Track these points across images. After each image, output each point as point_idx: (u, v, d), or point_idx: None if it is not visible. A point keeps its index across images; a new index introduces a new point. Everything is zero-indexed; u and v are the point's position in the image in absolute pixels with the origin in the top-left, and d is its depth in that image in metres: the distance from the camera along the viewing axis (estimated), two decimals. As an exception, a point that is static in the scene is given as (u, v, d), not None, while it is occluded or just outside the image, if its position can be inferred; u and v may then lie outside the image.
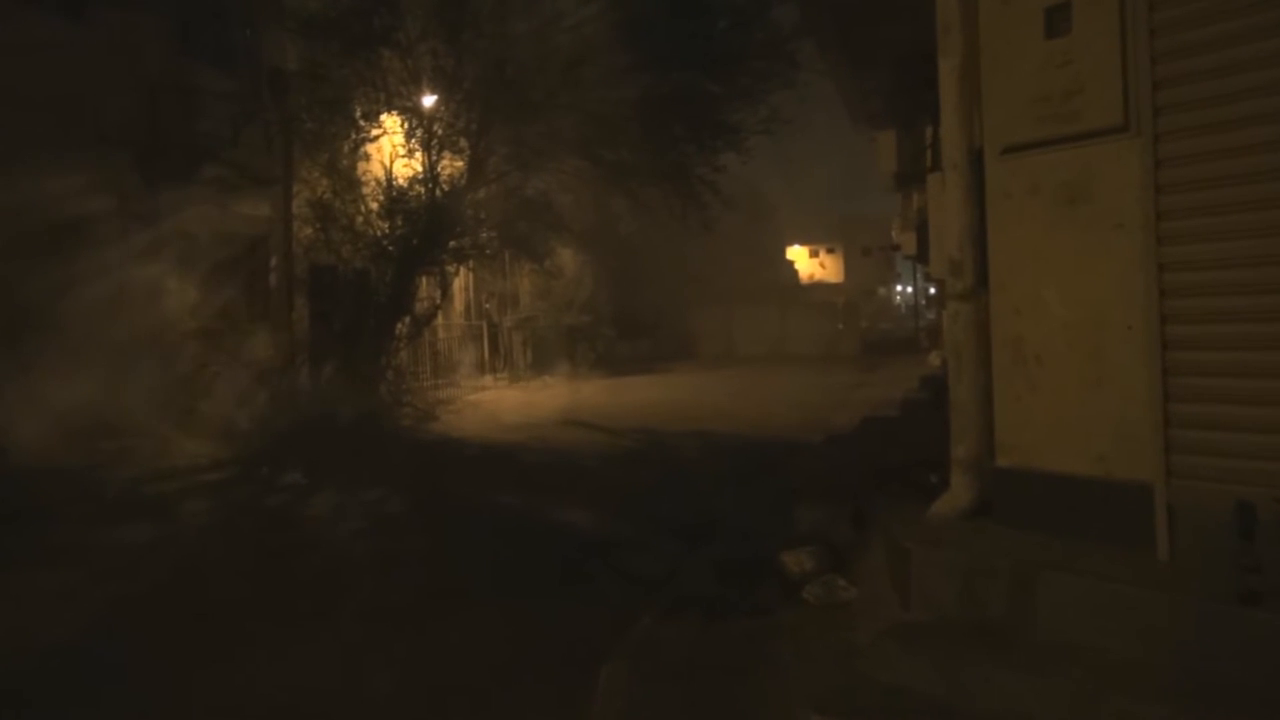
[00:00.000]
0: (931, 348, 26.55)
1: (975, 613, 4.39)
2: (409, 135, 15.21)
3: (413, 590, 6.57)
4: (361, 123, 14.89)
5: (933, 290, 35.85)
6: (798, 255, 67.32)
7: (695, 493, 9.86)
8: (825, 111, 16.53)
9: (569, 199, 18.37)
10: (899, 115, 13.63)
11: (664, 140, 15.32)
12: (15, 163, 10.56)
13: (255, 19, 15.00)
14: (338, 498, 9.94)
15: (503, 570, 7.10)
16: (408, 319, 15.88)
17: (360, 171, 15.60)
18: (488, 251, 17.55)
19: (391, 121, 15.21)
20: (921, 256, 15.37)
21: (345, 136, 14.94)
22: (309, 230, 15.04)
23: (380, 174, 15.38)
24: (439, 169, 15.27)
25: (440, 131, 15.14)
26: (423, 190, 15.19)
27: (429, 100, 15.12)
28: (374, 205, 15.28)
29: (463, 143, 15.28)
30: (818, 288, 60.52)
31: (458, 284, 22.01)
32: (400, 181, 15.33)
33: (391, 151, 15.40)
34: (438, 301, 17.39)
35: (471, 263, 19.14)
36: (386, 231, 15.17)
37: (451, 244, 15.77)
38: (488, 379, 23.65)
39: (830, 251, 69.97)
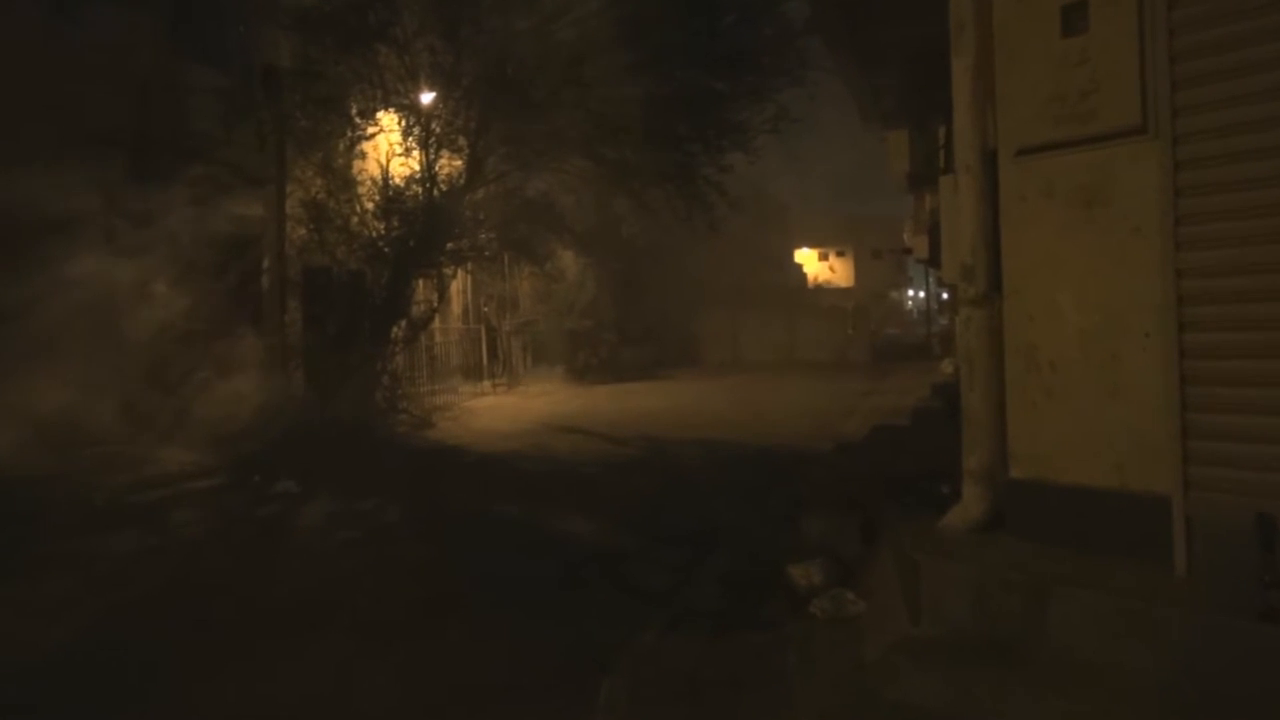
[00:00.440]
0: (944, 354, 26.58)
1: (987, 628, 4.40)
2: (406, 134, 15.21)
3: (407, 602, 6.58)
4: (357, 121, 14.89)
5: (945, 295, 35.84)
6: (806, 258, 67.19)
7: (700, 503, 9.87)
8: (835, 110, 16.56)
9: (570, 200, 18.36)
10: (912, 114, 13.67)
11: (668, 140, 15.31)
12: (-1, 161, 10.58)
13: (248, 14, 15.03)
14: (331, 507, 9.95)
15: (500, 582, 7.11)
16: (404, 323, 15.87)
17: (356, 171, 15.60)
18: (487, 253, 17.55)
19: (388, 119, 15.21)
20: (934, 260, 15.40)
21: (340, 135, 14.94)
22: (302, 231, 15.03)
23: (376, 173, 15.38)
24: (437, 168, 15.28)
25: (438, 130, 15.15)
26: (420, 190, 15.19)
27: (427, 98, 15.12)
28: (370, 205, 15.28)
29: (461, 141, 15.29)
30: (827, 292, 60.49)
31: (455, 287, 21.99)
32: (397, 181, 15.32)
33: (388, 150, 15.40)
34: (435, 305, 17.37)
35: (470, 265, 19.12)
36: (382, 232, 15.17)
37: (449, 245, 15.77)
38: (486, 385, 23.65)
39: (840, 254, 69.83)
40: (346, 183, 15.30)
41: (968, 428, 5.13)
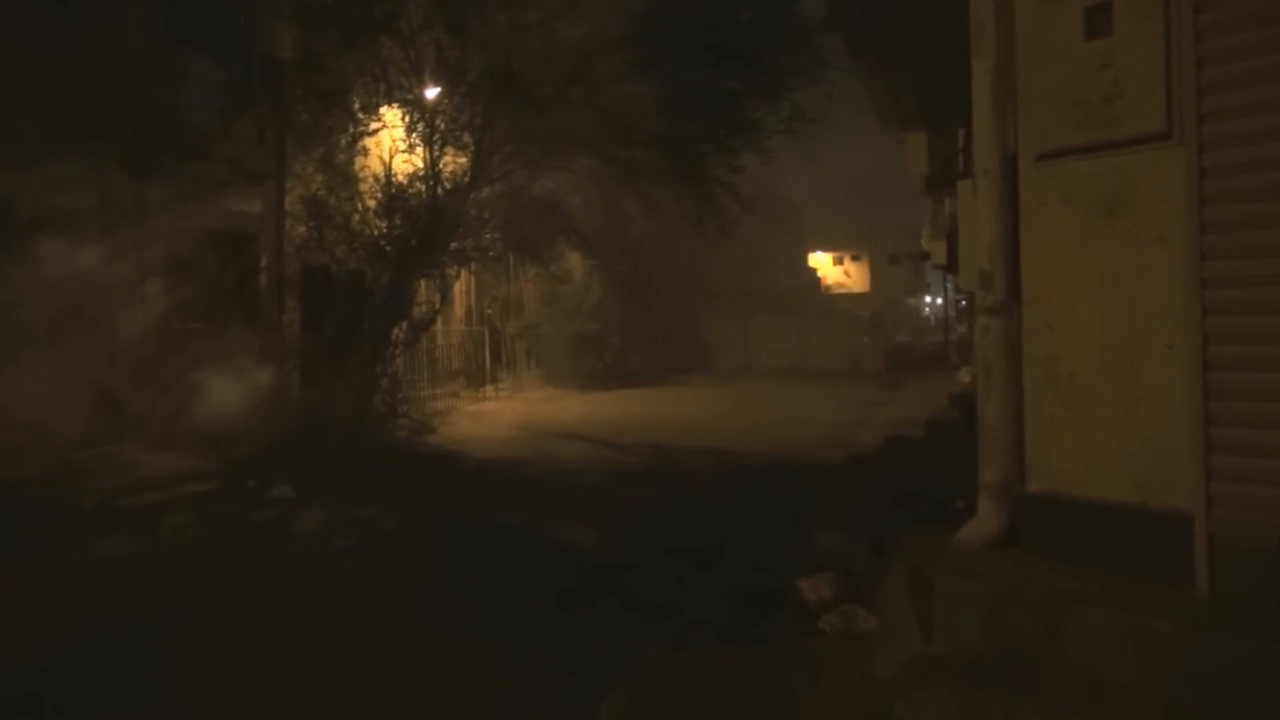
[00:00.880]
0: (962, 364, 26.51)
1: (1001, 647, 4.40)
2: (410, 129, 15.22)
3: (404, 613, 6.59)
4: (359, 116, 14.91)
5: (964, 302, 35.81)
6: (821, 262, 67.16)
7: (707, 514, 9.87)
8: (852, 111, 16.54)
9: (577, 200, 18.35)
10: (931, 116, 13.65)
11: (679, 139, 15.30)
12: (-11, 156, 10.62)
13: (248, 5, 15.08)
14: (328, 513, 9.97)
15: (500, 593, 7.12)
16: (405, 324, 15.87)
17: (357, 167, 15.62)
18: (491, 254, 17.55)
19: (391, 115, 15.23)
20: (952, 266, 15.37)
21: (342, 130, 14.96)
22: (302, 228, 15.05)
23: (378, 170, 15.39)
24: (441, 166, 15.29)
25: (443, 126, 15.16)
26: (423, 188, 15.20)
27: (431, 93, 15.15)
28: (371, 203, 15.29)
29: (466, 138, 15.30)
30: (841, 297, 60.44)
31: (458, 288, 22.00)
32: (399, 178, 15.33)
33: (391, 146, 15.41)
34: (437, 306, 17.38)
35: (473, 265, 19.12)
36: (384, 231, 15.18)
37: (453, 245, 15.78)
38: (489, 389, 23.66)
39: (855, 259, 69.73)
40: (348, 179, 15.31)
41: (984, 440, 5.14)
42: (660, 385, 27.31)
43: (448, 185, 15.27)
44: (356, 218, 15.23)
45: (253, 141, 13.93)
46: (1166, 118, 4.37)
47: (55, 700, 5.19)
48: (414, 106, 15.11)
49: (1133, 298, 4.53)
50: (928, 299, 72.38)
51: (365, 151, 15.47)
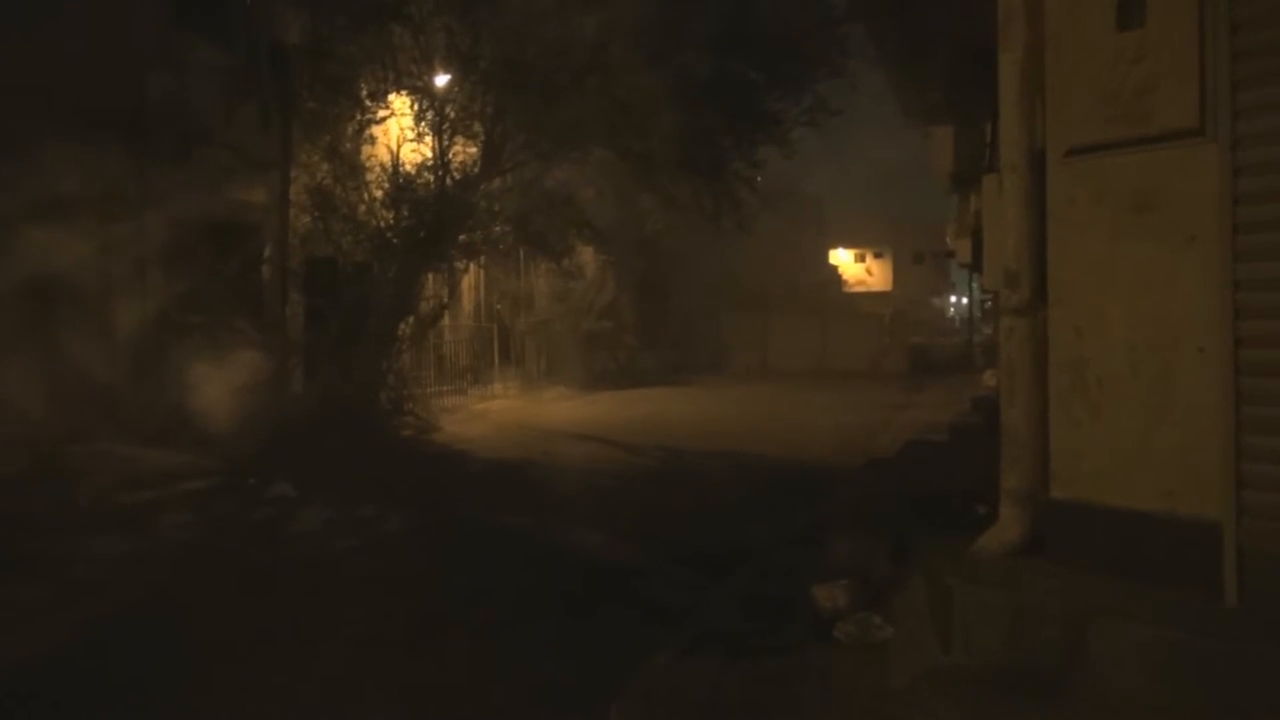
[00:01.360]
0: (987, 366, 26.45)
1: (1022, 659, 4.40)
2: (419, 118, 15.28)
3: (407, 617, 6.61)
4: (367, 103, 14.97)
5: (989, 303, 35.71)
6: (842, 260, 67.12)
7: (720, 518, 9.88)
8: (876, 103, 16.52)
9: (591, 193, 18.41)
10: (957, 109, 13.62)
11: (697, 131, 15.30)
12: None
13: (255, -12, 15.14)
14: (329, 513, 10.02)
15: (506, 597, 7.14)
16: (411, 319, 15.94)
17: (364, 156, 15.68)
18: (501, 247, 17.61)
19: (400, 103, 15.29)
20: (977, 265, 15.34)
21: (349, 118, 15.02)
22: (306, 219, 15.13)
23: (386, 160, 15.45)
24: (450, 156, 15.34)
25: (453, 115, 15.21)
26: (432, 179, 15.26)
27: (441, 80, 15.20)
28: (378, 193, 15.35)
29: (477, 127, 15.35)
30: (863, 296, 60.38)
31: (467, 282, 22.07)
32: (408, 168, 15.39)
33: (399, 135, 15.47)
34: (445, 301, 17.44)
35: (483, 259, 19.20)
36: (391, 222, 15.25)
37: (461, 238, 15.83)
38: (497, 387, 23.70)
39: (878, 256, 69.72)
40: (354, 169, 15.36)
41: (1006, 445, 5.12)
42: (674, 385, 27.32)
43: (457, 176, 15.32)
44: (363, 208, 15.29)
45: (257, 129, 13.98)
46: (1200, 113, 4.36)
47: (53, 699, 5.22)
48: (423, 94, 15.16)
49: (1163, 299, 4.51)
50: (953, 299, 72.30)
51: (373, 140, 15.53)
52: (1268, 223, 4.19)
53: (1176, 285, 4.46)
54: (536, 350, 26.49)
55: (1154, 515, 4.52)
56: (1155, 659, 4.03)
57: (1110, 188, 4.68)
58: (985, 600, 4.63)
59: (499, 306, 25.54)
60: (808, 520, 8.59)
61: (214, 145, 13.47)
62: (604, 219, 19.19)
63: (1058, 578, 4.68)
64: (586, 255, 23.28)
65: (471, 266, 19.39)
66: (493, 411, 20.32)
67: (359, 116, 15.01)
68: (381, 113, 15.14)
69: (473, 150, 15.58)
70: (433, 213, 15.03)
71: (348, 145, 15.39)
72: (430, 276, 16.69)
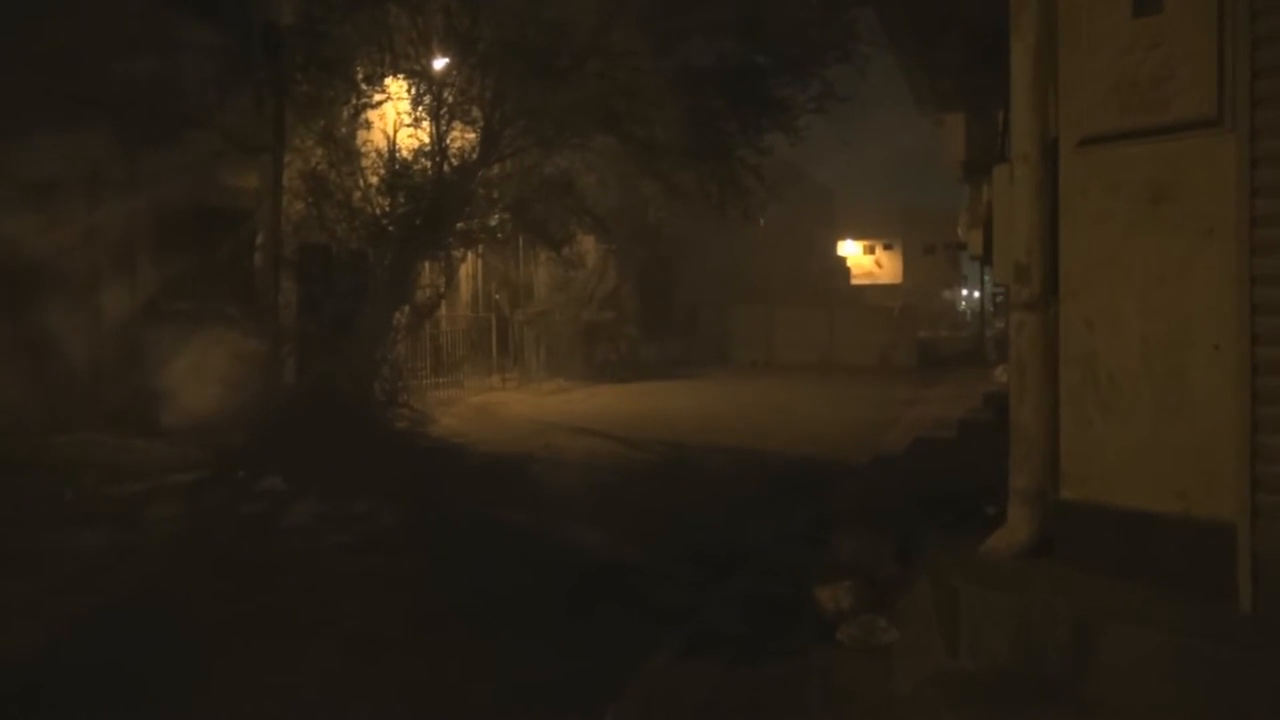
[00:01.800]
0: (999, 361, 26.42)
1: (1030, 664, 4.40)
2: (416, 102, 15.24)
3: (402, 615, 6.62)
4: (363, 86, 14.91)
5: (1000, 296, 35.66)
6: (850, 251, 67.06)
7: (723, 516, 9.88)
8: (887, 89, 16.48)
9: (592, 180, 18.33)
10: (970, 96, 13.57)
11: (702, 116, 15.26)
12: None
13: (248, -33, 15.09)
14: (321, 507, 10.02)
15: (502, 595, 7.14)
16: (407, 308, 15.92)
17: (360, 141, 15.64)
18: (500, 236, 17.55)
19: (396, 86, 15.24)
20: (988, 257, 15.30)
21: (344, 102, 14.97)
22: (300, 205, 15.09)
23: (382, 144, 15.42)
24: (448, 141, 15.30)
25: (451, 99, 15.17)
26: (429, 164, 15.22)
27: (439, 63, 15.15)
28: (374, 179, 15.32)
29: (475, 112, 15.31)
30: (872, 288, 60.35)
31: (464, 271, 22.05)
32: (404, 154, 15.36)
33: (395, 120, 15.44)
34: (442, 290, 17.43)
35: (481, 248, 19.16)
36: (387, 209, 15.22)
37: (459, 226, 15.79)
38: (495, 379, 23.70)
39: (888, 248, 69.63)
40: (349, 154, 15.33)
41: (1016, 443, 5.11)
42: (677, 378, 27.30)
43: (455, 162, 15.28)
44: (358, 195, 15.25)
45: (250, 112, 13.94)
46: (1218, 102, 4.34)
47: (44, 696, 5.23)
48: (421, 78, 15.11)
49: (1178, 294, 4.49)
50: (964, 292, 72.21)
51: (368, 125, 15.48)
52: (1287, 216, 4.17)
53: (1192, 280, 4.44)
54: (535, 341, 26.45)
55: (1166, 517, 4.51)
56: (1166, 665, 4.02)
57: (1124, 179, 4.66)
58: (992, 603, 4.62)
59: (497, 297, 25.52)
60: (811, 518, 8.59)
61: (205, 128, 13.42)
62: (605, 206, 19.11)
63: (1067, 580, 4.67)
64: (587, 244, 23.23)
65: (469, 255, 19.36)
66: (490, 404, 20.32)
67: (354, 100, 14.95)
68: (378, 96, 15.09)
69: (471, 136, 15.54)
70: (430, 200, 15.00)
71: (343, 130, 15.35)
72: (427, 265, 16.66)
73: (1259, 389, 4.23)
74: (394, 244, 15.07)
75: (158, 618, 6.63)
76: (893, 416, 18.51)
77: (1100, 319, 4.76)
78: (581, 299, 27.42)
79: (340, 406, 13.68)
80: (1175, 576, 4.44)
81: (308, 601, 6.98)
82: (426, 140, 15.33)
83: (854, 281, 62.08)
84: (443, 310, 20.05)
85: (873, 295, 55.39)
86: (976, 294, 54.08)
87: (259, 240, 14.96)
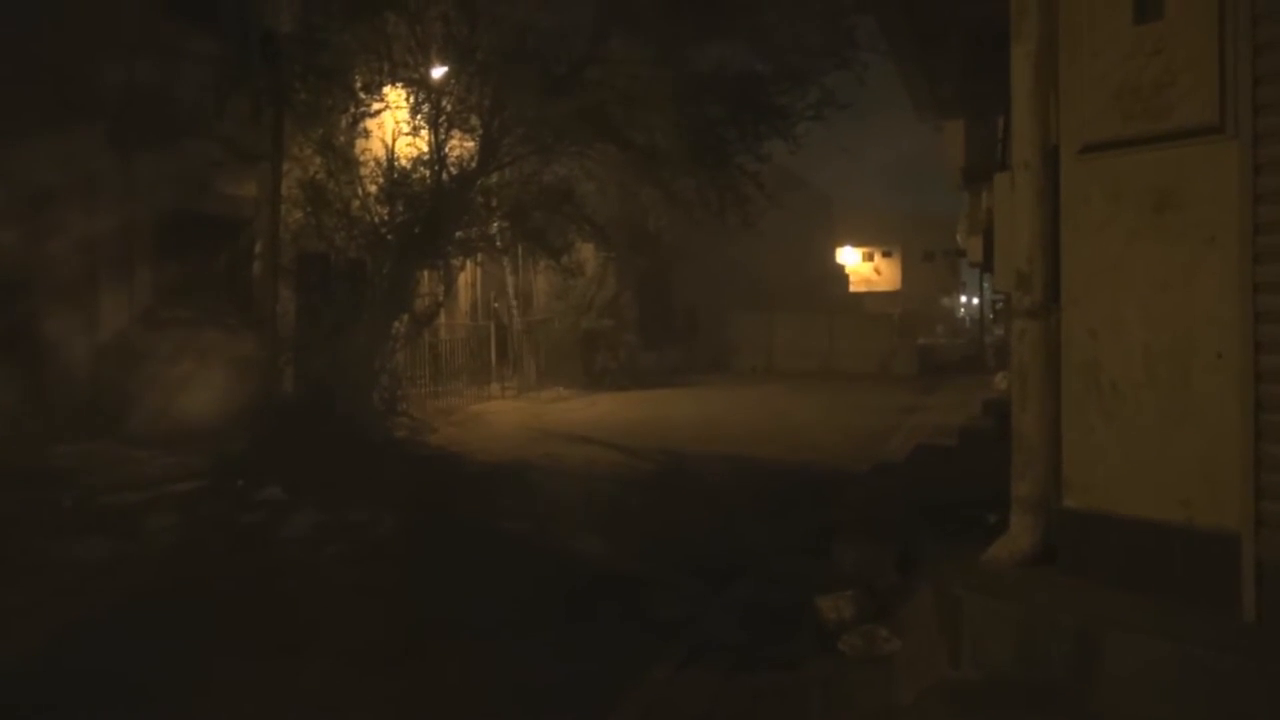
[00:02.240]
0: (999, 368, 26.44)
1: (1033, 673, 4.37)
2: (414, 111, 15.25)
3: (400, 626, 6.60)
4: (362, 95, 14.91)
5: (1000, 303, 35.75)
6: (850, 258, 67.12)
7: (723, 525, 9.87)
8: (886, 96, 16.48)
9: (592, 188, 18.33)
10: (970, 103, 13.57)
11: (701, 124, 15.26)
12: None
13: (246, -25, 15.10)
14: (319, 517, 9.99)
15: (501, 606, 7.12)
16: (406, 317, 15.91)
17: (358, 150, 15.65)
18: (498, 244, 17.57)
19: (395, 95, 15.25)
20: (989, 265, 15.30)
21: (343, 110, 14.96)
22: (298, 214, 15.08)
23: (381, 153, 15.43)
24: (447, 150, 15.31)
25: (450, 107, 15.18)
26: (428, 173, 15.23)
27: (438, 72, 15.16)
28: (373, 188, 15.32)
29: (474, 121, 15.31)
30: (871, 296, 60.41)
31: (463, 280, 22.05)
32: (403, 162, 15.37)
33: (394, 128, 15.45)
34: (440, 299, 17.41)
35: (480, 256, 19.17)
36: (386, 218, 15.21)
37: (458, 234, 15.80)
38: (494, 388, 23.69)
39: (887, 255, 69.71)
40: (348, 163, 15.33)
41: (1018, 451, 5.09)
42: (677, 386, 27.31)
43: (454, 170, 15.28)
44: (356, 203, 15.25)
45: (248, 121, 13.91)
46: (1220, 109, 4.32)
47: (42, 705, 5.20)
48: (419, 86, 15.12)
49: (1181, 302, 4.47)
50: (964, 298, 72.31)
51: (367, 133, 15.50)
52: (1289, 223, 4.15)
53: (1195, 287, 4.42)
54: (535, 349, 26.45)
55: (1170, 526, 4.49)
56: (1170, 675, 4.00)
57: (1126, 186, 4.64)
58: (995, 612, 4.60)
59: (496, 305, 25.53)
60: (812, 527, 8.57)
61: (203, 137, 13.42)
62: (605, 214, 19.12)
63: (1070, 589, 4.65)
64: (586, 252, 23.22)
65: (468, 264, 19.35)
66: (489, 413, 20.31)
67: (353, 109, 14.95)
68: (376, 105, 15.10)
69: (470, 144, 15.55)
70: (428, 208, 15.00)
71: (341, 138, 15.35)
72: (426, 273, 16.65)
73: (1262, 397, 4.21)
74: (393, 253, 15.06)
75: (156, 629, 6.60)
76: (893, 424, 18.51)
77: (1102, 327, 4.74)
78: (581, 307, 27.44)
79: (339, 415, 13.67)
80: (1179, 585, 4.42)
81: (307, 611, 6.97)
82: (425, 149, 15.34)
83: (853, 288, 62.18)
84: (441, 319, 20.06)
85: (872, 302, 55.51)
86: (976, 301, 54.19)
87: (257, 249, 14.97)
